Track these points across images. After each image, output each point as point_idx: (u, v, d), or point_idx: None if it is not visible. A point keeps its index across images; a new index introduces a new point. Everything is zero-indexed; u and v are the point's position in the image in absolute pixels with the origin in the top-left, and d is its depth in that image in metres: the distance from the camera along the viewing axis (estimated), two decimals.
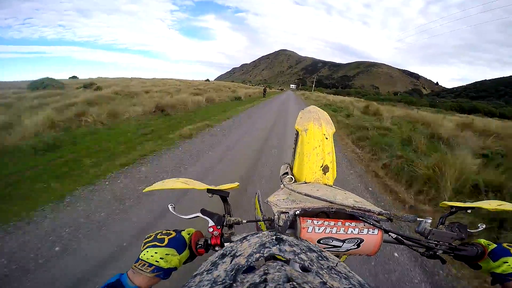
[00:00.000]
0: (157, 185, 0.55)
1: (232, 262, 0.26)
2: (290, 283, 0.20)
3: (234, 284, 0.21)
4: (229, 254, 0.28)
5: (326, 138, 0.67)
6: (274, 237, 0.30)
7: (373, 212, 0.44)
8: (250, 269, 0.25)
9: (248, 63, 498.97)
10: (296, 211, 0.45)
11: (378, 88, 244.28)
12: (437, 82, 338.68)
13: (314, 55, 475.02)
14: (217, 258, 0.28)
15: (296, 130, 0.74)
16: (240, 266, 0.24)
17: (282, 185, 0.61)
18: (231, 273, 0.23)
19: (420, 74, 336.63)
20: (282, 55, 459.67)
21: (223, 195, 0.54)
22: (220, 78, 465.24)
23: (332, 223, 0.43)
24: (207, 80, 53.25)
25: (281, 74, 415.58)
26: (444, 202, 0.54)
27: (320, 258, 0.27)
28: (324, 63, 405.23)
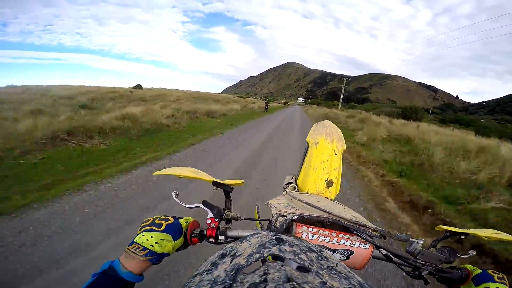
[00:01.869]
0: (167, 171, 0.59)
1: (232, 262, 0.26)
2: (290, 283, 0.20)
3: (234, 284, 0.21)
4: (229, 254, 0.28)
5: (335, 154, 0.68)
6: (274, 237, 0.30)
7: (368, 228, 0.45)
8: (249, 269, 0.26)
9: (255, 75, 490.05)
10: (294, 216, 0.47)
11: (395, 102, 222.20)
12: (457, 96, 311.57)
13: (322, 68, 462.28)
14: (217, 258, 0.28)
15: (307, 142, 0.76)
16: (240, 266, 0.24)
17: (284, 192, 0.63)
18: (231, 273, 0.23)
19: (437, 87, 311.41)
20: (289, 67, 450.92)
21: (227, 190, 0.57)
22: (227, 90, 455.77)
23: (326, 232, 0.46)
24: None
25: (288, 87, 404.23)
26: (440, 226, 0.55)
27: (320, 258, 0.27)
28: (334, 75, 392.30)
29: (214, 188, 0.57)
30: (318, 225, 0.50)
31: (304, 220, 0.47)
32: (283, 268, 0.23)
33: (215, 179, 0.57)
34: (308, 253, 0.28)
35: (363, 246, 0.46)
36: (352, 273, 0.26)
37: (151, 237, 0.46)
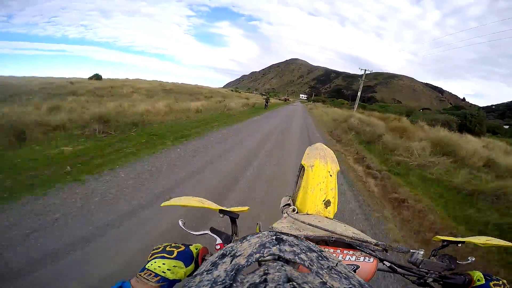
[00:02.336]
0: (174, 201, 0.62)
1: (232, 262, 0.26)
2: (290, 283, 0.20)
3: (234, 284, 0.21)
4: (229, 254, 0.28)
5: (330, 175, 0.71)
6: (274, 237, 0.31)
7: (370, 243, 0.47)
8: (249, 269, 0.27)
9: (258, 71, 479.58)
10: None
11: (400, 102, 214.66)
12: (463, 98, 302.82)
13: (326, 66, 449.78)
14: (217, 258, 0.28)
15: (302, 165, 0.78)
16: (240, 266, 0.24)
17: (285, 214, 0.65)
18: (231, 273, 0.23)
19: (443, 88, 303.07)
20: (293, 64, 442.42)
21: (233, 217, 0.60)
22: (229, 84, 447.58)
23: (331, 250, 0.49)
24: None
25: (291, 84, 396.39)
26: (437, 236, 0.59)
27: (320, 258, 0.27)
28: (338, 73, 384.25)
29: (221, 215, 0.60)
30: (322, 244, 0.52)
31: (309, 240, 0.46)
32: (283, 268, 0.23)
33: (221, 207, 0.60)
34: (308, 253, 0.27)
35: (368, 260, 0.48)
36: (352, 273, 0.26)
37: (163, 264, 0.46)
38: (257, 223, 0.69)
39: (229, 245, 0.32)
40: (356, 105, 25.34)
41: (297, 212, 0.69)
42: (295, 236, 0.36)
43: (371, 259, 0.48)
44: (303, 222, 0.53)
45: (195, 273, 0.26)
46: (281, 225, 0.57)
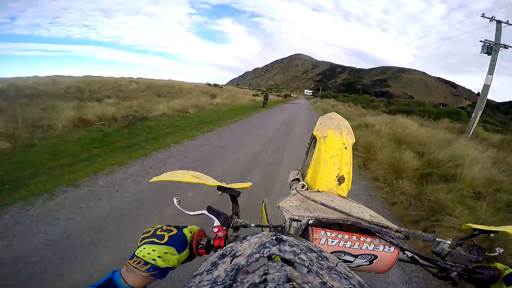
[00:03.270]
0: (165, 176, 0.56)
1: (232, 262, 0.26)
2: (290, 283, 0.20)
3: (234, 284, 0.21)
4: (229, 254, 0.28)
5: (345, 148, 0.65)
6: (274, 237, 0.31)
7: (390, 229, 0.43)
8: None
9: (261, 67, 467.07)
10: (309, 220, 0.44)
11: (412, 98, 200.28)
12: (478, 93, 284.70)
13: (330, 61, 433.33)
14: (217, 258, 0.28)
15: (314, 136, 0.72)
16: (240, 266, 0.25)
17: (294, 191, 0.61)
18: (231, 273, 0.23)
19: (456, 83, 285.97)
20: (296, 59, 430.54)
21: (234, 195, 0.54)
22: (232, 81, 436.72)
23: (346, 236, 0.43)
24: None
25: (295, 79, 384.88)
26: (467, 224, 0.53)
27: (320, 258, 0.27)
28: (344, 68, 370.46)
29: (220, 193, 0.54)
30: (335, 227, 0.48)
31: (321, 223, 0.45)
32: (283, 268, 0.23)
33: (220, 184, 0.54)
34: (308, 253, 0.27)
35: (388, 249, 0.43)
36: (352, 273, 0.26)
37: (153, 250, 0.42)
38: (263, 200, 0.61)
39: (229, 245, 0.31)
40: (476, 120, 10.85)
41: (307, 189, 0.63)
42: (295, 236, 0.35)
43: (392, 248, 0.43)
44: (314, 201, 0.48)
45: (195, 273, 0.26)
46: (289, 203, 0.52)
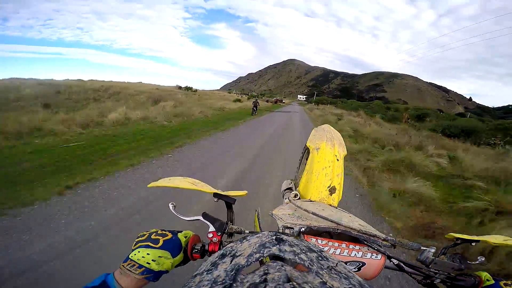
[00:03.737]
0: (163, 182, 0.57)
1: (232, 262, 0.26)
2: (290, 283, 0.20)
3: (234, 284, 0.21)
4: (229, 254, 0.28)
5: (337, 160, 0.67)
6: (274, 237, 0.31)
7: (378, 238, 0.45)
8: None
9: (254, 72, 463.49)
10: (301, 227, 0.46)
11: (407, 103, 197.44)
12: (470, 98, 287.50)
13: (324, 66, 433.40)
14: (217, 258, 0.28)
15: (307, 147, 0.74)
16: (240, 266, 0.25)
17: (286, 200, 0.63)
18: (231, 273, 0.23)
19: (448, 88, 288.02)
20: (290, 64, 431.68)
21: (229, 202, 0.56)
22: (225, 86, 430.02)
23: (336, 244, 0.45)
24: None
25: (288, 85, 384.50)
26: (450, 233, 0.56)
27: (320, 258, 0.27)
28: (336, 73, 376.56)
29: (215, 200, 0.56)
30: (326, 236, 0.49)
31: (312, 231, 0.47)
32: (283, 268, 0.23)
33: (216, 191, 0.56)
34: (308, 253, 0.27)
35: (375, 257, 0.45)
36: (352, 273, 0.26)
37: (148, 254, 0.43)
38: (256, 209, 0.63)
39: (229, 245, 0.32)
40: None
41: (299, 198, 0.65)
42: (295, 236, 0.36)
43: (379, 256, 0.45)
44: (306, 210, 0.50)
45: (195, 273, 0.26)
46: (282, 212, 0.54)
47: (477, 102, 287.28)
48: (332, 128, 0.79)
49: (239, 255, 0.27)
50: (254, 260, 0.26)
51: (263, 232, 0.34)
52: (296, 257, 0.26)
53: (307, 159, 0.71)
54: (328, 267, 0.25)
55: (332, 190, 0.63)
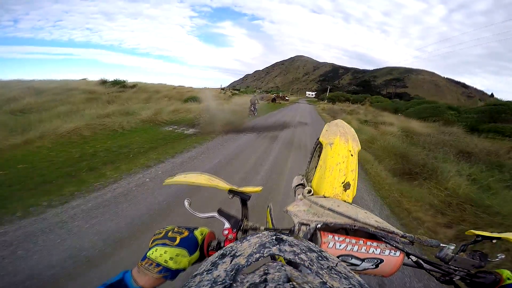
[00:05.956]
0: (179, 178, 0.57)
1: (232, 262, 0.26)
2: (290, 283, 0.20)
3: (234, 284, 0.21)
4: (229, 254, 0.28)
5: (351, 155, 0.65)
6: (274, 237, 0.30)
7: (396, 234, 0.45)
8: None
9: (261, 69, 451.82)
10: (317, 224, 0.46)
11: (424, 99, 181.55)
12: (492, 94, 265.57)
13: (332, 62, 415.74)
14: (217, 258, 0.28)
15: (320, 142, 0.74)
16: (240, 266, 0.25)
17: (300, 196, 0.62)
18: (231, 273, 0.23)
19: (467, 84, 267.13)
20: (297, 61, 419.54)
21: (244, 198, 0.55)
22: (233, 84, 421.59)
23: (353, 240, 0.44)
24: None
25: (296, 81, 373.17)
26: (470, 230, 0.55)
27: (320, 258, 0.27)
28: (347, 69, 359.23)
29: (230, 196, 0.56)
30: (342, 233, 0.49)
31: (328, 227, 0.46)
32: (283, 268, 0.23)
33: (231, 187, 0.56)
34: (308, 253, 0.27)
35: (394, 253, 0.44)
36: (352, 273, 0.26)
37: (165, 252, 0.43)
38: (268, 205, 0.64)
39: (229, 245, 0.31)
40: None
41: (312, 194, 0.62)
42: (296, 236, 0.36)
43: (397, 253, 0.44)
44: (322, 206, 0.49)
45: (195, 273, 0.26)
46: (296, 208, 0.53)
47: (499, 99, 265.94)
48: (345, 123, 0.78)
49: (239, 255, 0.26)
50: (254, 260, 0.25)
51: (263, 232, 0.34)
52: (296, 257, 0.26)
53: (319, 155, 0.71)
54: (328, 267, 0.25)
55: (346, 186, 0.61)
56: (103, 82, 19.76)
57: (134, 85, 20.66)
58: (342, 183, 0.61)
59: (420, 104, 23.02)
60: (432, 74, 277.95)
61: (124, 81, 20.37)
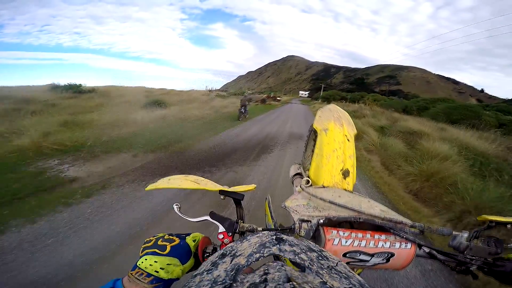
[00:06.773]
0: (162, 183, 0.54)
1: (232, 262, 0.26)
2: (290, 283, 0.20)
3: (234, 284, 0.21)
4: (229, 254, 0.28)
5: (348, 140, 0.63)
6: (274, 237, 0.30)
7: (405, 224, 0.42)
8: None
9: (254, 70, 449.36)
10: (319, 219, 0.43)
11: (417, 97, 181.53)
12: (482, 90, 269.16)
13: (323, 62, 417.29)
14: (217, 258, 0.28)
15: (314, 129, 0.70)
16: (240, 266, 0.25)
17: (298, 188, 0.59)
18: (231, 273, 0.23)
19: (457, 80, 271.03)
20: (290, 61, 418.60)
21: (237, 198, 0.51)
22: (226, 86, 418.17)
23: (360, 235, 0.42)
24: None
25: (288, 81, 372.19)
26: (483, 215, 0.52)
27: (320, 258, 0.27)
28: (338, 68, 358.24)
29: (222, 197, 0.52)
30: (346, 226, 0.46)
31: (331, 222, 0.44)
32: (283, 268, 0.23)
33: (222, 187, 0.52)
34: (308, 253, 0.27)
35: (405, 246, 0.42)
36: (352, 272, 0.26)
37: (155, 262, 0.41)
38: (266, 197, 0.61)
39: (229, 245, 0.31)
40: None
41: (311, 185, 0.59)
42: (295, 235, 0.35)
43: (408, 245, 0.42)
44: (322, 199, 0.47)
45: (195, 273, 0.26)
46: (295, 203, 0.50)
47: (489, 94, 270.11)
48: (338, 107, 0.76)
49: (239, 255, 0.26)
50: (254, 260, 0.25)
51: (263, 232, 0.33)
52: (296, 257, 0.26)
53: (314, 142, 0.67)
54: (328, 266, 0.25)
55: (346, 174, 0.59)
56: (55, 87, 16.23)
57: (92, 90, 17.18)
58: (340, 171, 0.58)
59: (434, 102, 19.88)
60: (423, 71, 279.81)
61: (79, 85, 17.03)
